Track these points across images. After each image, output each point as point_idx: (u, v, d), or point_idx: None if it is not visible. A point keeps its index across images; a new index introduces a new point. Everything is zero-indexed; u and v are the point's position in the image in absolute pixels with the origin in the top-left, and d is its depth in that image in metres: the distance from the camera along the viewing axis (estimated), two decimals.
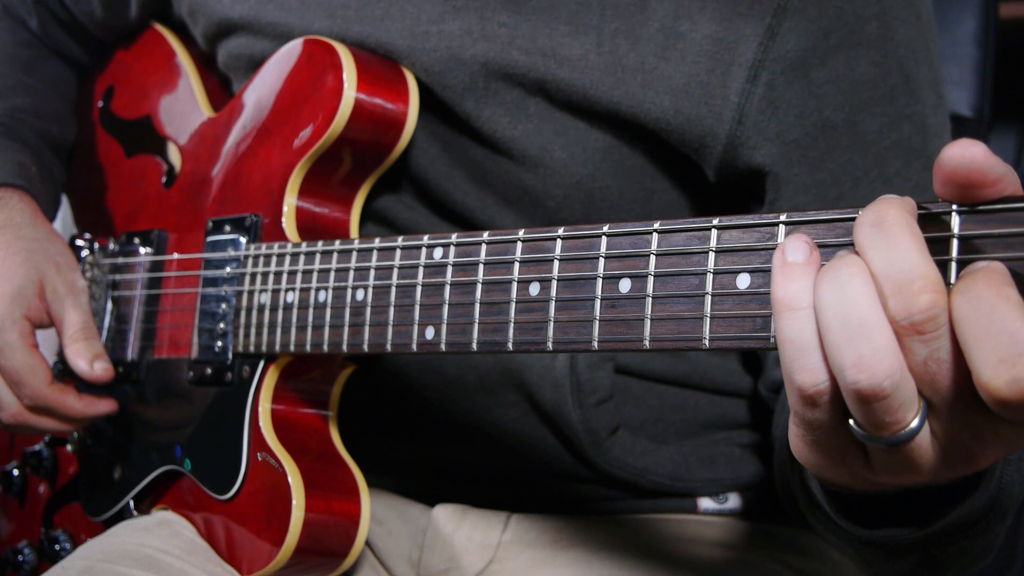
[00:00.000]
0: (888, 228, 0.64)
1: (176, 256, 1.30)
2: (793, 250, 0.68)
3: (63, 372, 1.40)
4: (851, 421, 0.68)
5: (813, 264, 0.68)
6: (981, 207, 0.65)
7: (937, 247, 0.66)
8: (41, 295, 1.31)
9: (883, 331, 0.64)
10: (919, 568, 0.89)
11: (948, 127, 1.17)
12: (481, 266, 0.92)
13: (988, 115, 1.60)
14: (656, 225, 0.81)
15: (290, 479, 1.11)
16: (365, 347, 1.03)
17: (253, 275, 1.17)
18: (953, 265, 0.66)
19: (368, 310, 1.02)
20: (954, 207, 0.66)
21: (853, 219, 0.71)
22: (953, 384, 0.64)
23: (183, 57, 1.43)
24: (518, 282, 0.90)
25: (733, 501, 1.23)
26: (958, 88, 1.58)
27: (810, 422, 0.70)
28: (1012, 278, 0.62)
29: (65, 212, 1.60)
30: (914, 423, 0.66)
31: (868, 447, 0.70)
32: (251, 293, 1.16)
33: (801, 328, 0.67)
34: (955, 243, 0.66)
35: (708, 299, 0.77)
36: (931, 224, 0.67)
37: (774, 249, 0.74)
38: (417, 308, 0.97)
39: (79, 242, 1.42)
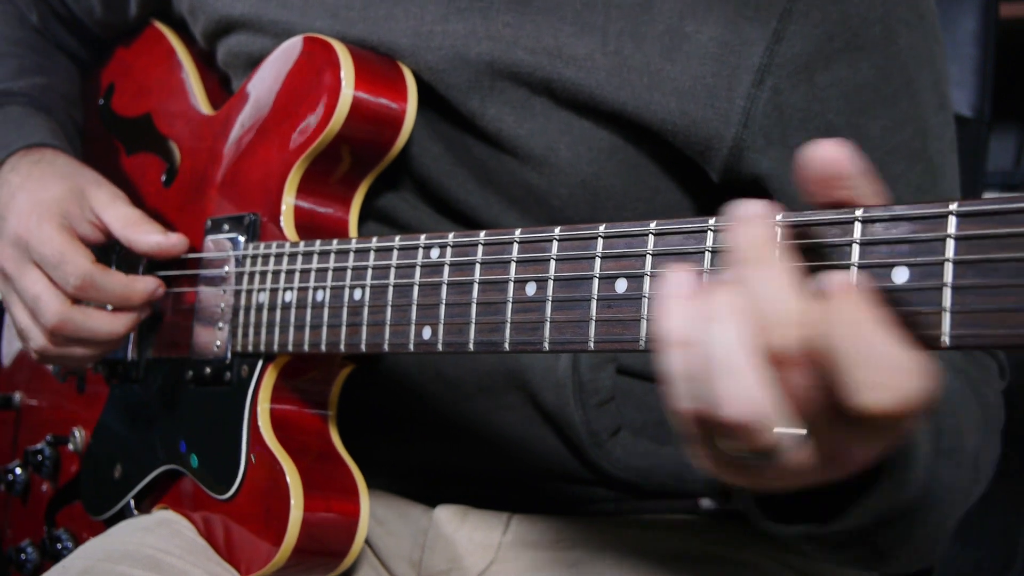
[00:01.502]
0: (759, 266, 0.67)
1: (175, 255, 1.30)
2: (678, 283, 0.70)
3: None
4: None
5: (699, 297, 0.70)
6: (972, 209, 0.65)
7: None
8: (84, 208, 1.29)
9: (751, 369, 0.66)
10: (863, 558, 0.94)
11: (951, 127, 1.17)
12: (478, 266, 0.92)
13: (988, 115, 1.60)
14: (652, 226, 0.81)
15: (288, 479, 1.11)
16: (363, 347, 1.03)
17: (251, 274, 1.17)
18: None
19: (365, 310, 1.03)
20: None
21: (848, 220, 0.71)
22: (825, 406, 0.67)
23: (183, 55, 1.43)
24: (514, 282, 0.89)
25: (734, 501, 1.23)
26: (958, 88, 1.58)
27: (691, 438, 0.73)
28: (867, 291, 0.66)
29: None
30: (790, 441, 0.69)
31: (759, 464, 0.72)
32: (249, 292, 1.16)
33: (678, 360, 0.69)
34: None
35: None
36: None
37: None
38: (414, 308, 0.97)
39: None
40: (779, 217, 0.73)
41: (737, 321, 0.67)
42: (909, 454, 0.86)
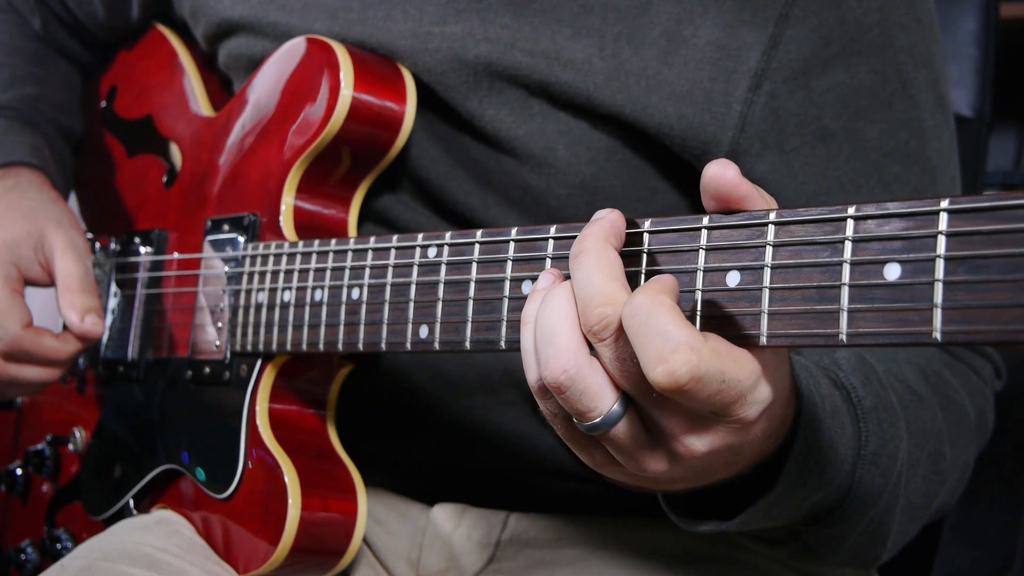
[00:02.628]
0: (581, 257, 0.78)
1: (176, 256, 1.30)
2: (541, 280, 0.83)
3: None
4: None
5: (548, 289, 0.81)
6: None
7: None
8: (38, 250, 1.31)
9: (567, 337, 0.77)
10: (800, 554, 1.02)
11: (949, 127, 1.17)
12: (474, 264, 0.93)
13: (988, 115, 1.60)
14: (647, 224, 0.81)
15: (286, 478, 1.11)
16: (360, 346, 1.03)
17: (251, 274, 1.17)
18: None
19: (363, 308, 1.03)
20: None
21: (841, 218, 0.71)
22: (639, 378, 0.74)
23: (184, 57, 1.43)
24: (511, 280, 0.90)
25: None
26: (958, 88, 1.58)
27: (548, 413, 0.82)
28: (676, 288, 0.75)
29: (72, 207, 1.60)
30: (611, 410, 0.77)
31: (598, 439, 0.80)
32: (248, 292, 1.17)
33: (528, 337, 0.80)
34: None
35: (699, 296, 0.77)
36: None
37: (764, 247, 0.75)
38: (412, 306, 0.98)
39: None
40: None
41: (561, 299, 0.78)
42: (819, 459, 0.88)
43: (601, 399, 0.77)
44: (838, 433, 0.91)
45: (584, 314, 0.76)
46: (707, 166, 0.76)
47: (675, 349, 0.70)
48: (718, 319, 0.76)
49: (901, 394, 1.01)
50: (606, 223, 0.80)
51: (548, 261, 0.87)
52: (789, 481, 0.87)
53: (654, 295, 0.72)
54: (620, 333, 0.74)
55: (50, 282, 1.32)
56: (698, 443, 0.77)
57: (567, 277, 0.81)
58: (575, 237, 0.86)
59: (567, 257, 0.86)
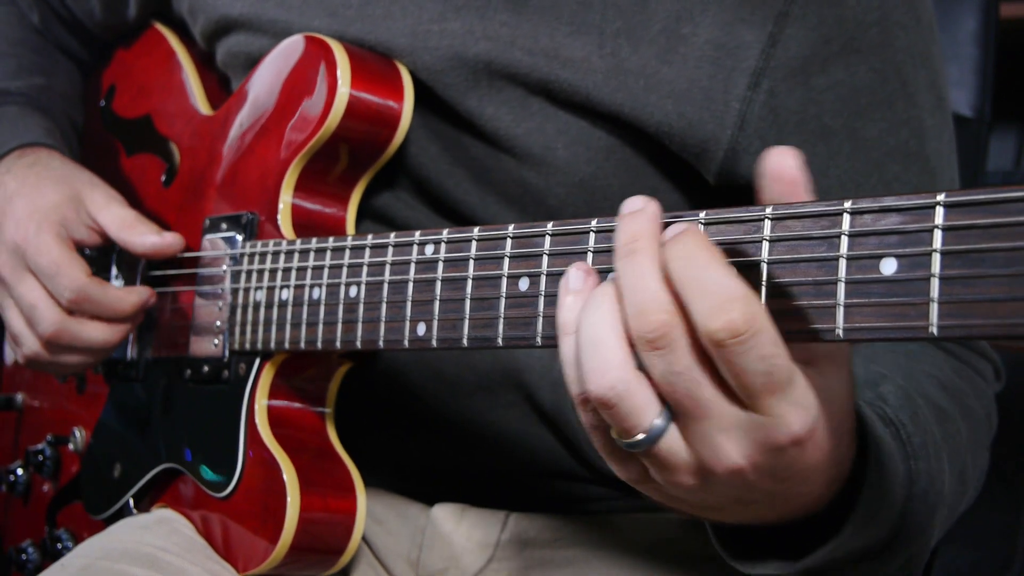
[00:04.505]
0: (634, 256, 0.72)
1: (171, 255, 1.30)
2: (573, 279, 0.77)
3: None
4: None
5: (588, 291, 0.76)
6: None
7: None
8: (80, 211, 1.29)
9: (614, 347, 0.71)
10: None
11: (949, 127, 1.17)
12: (471, 262, 0.93)
13: (988, 115, 1.60)
14: None
15: (285, 476, 1.11)
16: (358, 344, 1.03)
17: (249, 273, 1.17)
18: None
19: (361, 306, 1.03)
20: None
21: (839, 212, 0.71)
22: (691, 392, 0.70)
23: (183, 56, 1.44)
24: (508, 277, 0.90)
25: None
26: (958, 88, 1.58)
27: (588, 425, 0.77)
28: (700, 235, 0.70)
29: None
30: (655, 425, 0.72)
31: (638, 455, 0.76)
32: (247, 291, 1.17)
33: (569, 348, 0.75)
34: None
35: None
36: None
37: (761, 243, 0.74)
38: (409, 304, 0.98)
39: None
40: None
41: (606, 305, 0.72)
42: (881, 503, 0.86)
43: (646, 415, 0.72)
44: (893, 472, 0.88)
45: (637, 320, 0.71)
46: (770, 150, 0.74)
47: (735, 298, 0.67)
48: None
49: (936, 419, 0.99)
50: (656, 220, 0.74)
51: (545, 258, 0.87)
52: (855, 527, 0.83)
53: (707, 247, 0.69)
54: (679, 343, 0.70)
55: (99, 240, 1.31)
56: (733, 450, 0.73)
57: (599, 272, 0.78)
58: (572, 234, 0.86)
59: (564, 254, 0.86)
